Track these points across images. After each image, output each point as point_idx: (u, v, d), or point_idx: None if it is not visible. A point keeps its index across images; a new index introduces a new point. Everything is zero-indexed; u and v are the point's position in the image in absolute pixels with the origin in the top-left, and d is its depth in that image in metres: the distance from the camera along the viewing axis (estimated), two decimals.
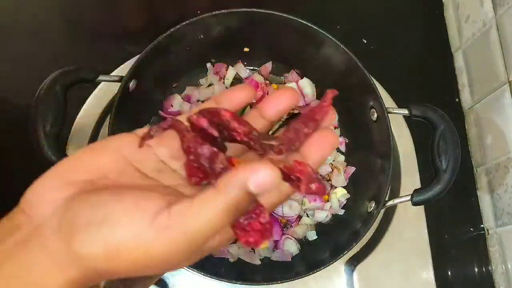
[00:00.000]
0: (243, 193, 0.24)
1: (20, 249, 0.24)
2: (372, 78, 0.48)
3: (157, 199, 0.24)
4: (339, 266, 0.54)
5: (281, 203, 0.25)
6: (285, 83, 0.59)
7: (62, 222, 0.24)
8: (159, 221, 0.23)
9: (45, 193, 0.26)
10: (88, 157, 0.28)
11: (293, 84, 0.57)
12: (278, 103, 0.33)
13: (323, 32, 0.49)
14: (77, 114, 0.57)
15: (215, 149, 0.27)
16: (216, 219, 0.24)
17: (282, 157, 0.29)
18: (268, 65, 0.58)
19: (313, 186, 0.26)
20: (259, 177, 0.23)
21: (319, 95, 0.58)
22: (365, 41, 0.65)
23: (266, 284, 0.45)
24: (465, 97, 0.63)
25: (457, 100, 0.64)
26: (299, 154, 0.32)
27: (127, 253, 0.24)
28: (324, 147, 0.32)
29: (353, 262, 0.55)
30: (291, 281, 0.45)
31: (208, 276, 0.45)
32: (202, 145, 0.27)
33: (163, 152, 0.30)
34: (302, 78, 0.58)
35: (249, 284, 0.45)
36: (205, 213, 0.24)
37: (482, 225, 0.59)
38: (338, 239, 0.49)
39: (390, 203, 0.46)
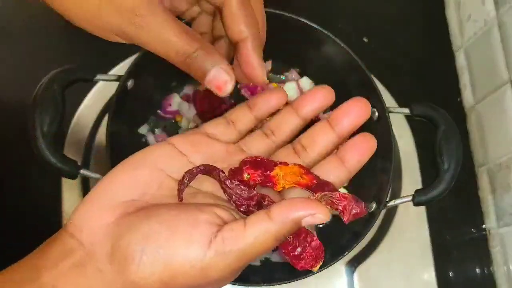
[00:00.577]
0: (295, 226, 0.26)
1: (76, 272, 0.25)
2: (372, 77, 0.48)
3: (208, 225, 0.25)
4: (339, 267, 0.54)
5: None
6: (286, 82, 0.58)
7: (115, 250, 0.25)
8: (214, 247, 0.25)
9: (92, 218, 0.27)
10: (126, 176, 0.28)
11: (293, 83, 0.57)
12: (314, 101, 0.34)
13: (324, 31, 0.49)
14: (75, 113, 0.57)
15: (260, 194, 0.29)
16: (267, 244, 0.26)
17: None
18: (268, 64, 0.58)
19: (354, 211, 0.29)
20: (314, 218, 0.26)
21: None
22: (366, 40, 0.64)
23: (266, 285, 0.44)
24: (467, 96, 0.62)
25: (458, 99, 0.63)
26: (336, 156, 0.33)
27: (183, 278, 0.25)
28: (363, 152, 0.33)
29: (354, 263, 0.54)
30: (291, 282, 0.44)
31: None
32: (249, 194, 0.29)
33: (197, 159, 0.30)
34: (302, 77, 0.58)
35: (249, 285, 0.45)
36: (258, 239, 0.25)
37: (483, 226, 0.58)
38: (338, 240, 0.48)
39: (391, 203, 0.45)
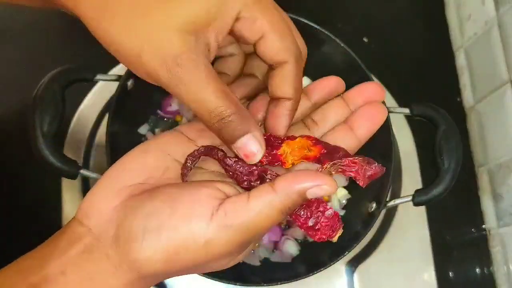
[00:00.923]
0: (300, 198, 0.25)
1: (84, 258, 0.25)
2: (373, 77, 0.48)
3: (209, 198, 0.25)
4: (339, 267, 0.54)
5: None
6: None
7: (119, 231, 0.25)
8: (216, 220, 0.24)
9: (99, 204, 0.27)
10: (133, 161, 0.28)
11: None
12: (324, 88, 0.34)
13: (324, 31, 0.49)
14: (75, 113, 0.57)
15: (260, 168, 0.29)
16: (272, 217, 0.25)
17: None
18: None
19: (368, 173, 0.28)
20: (321, 190, 0.25)
21: None
22: (366, 40, 0.64)
23: (266, 285, 0.44)
24: (467, 96, 0.62)
25: (458, 99, 0.63)
26: (345, 124, 0.33)
27: (186, 254, 0.24)
28: (373, 120, 0.32)
29: (354, 263, 0.54)
30: (290, 282, 0.44)
31: (207, 277, 0.45)
32: (248, 170, 0.29)
33: (205, 143, 0.30)
34: (302, 77, 0.58)
35: (249, 285, 0.45)
36: (262, 212, 0.25)
37: (483, 226, 0.58)
38: (338, 240, 0.49)
39: (391, 203, 0.45)
